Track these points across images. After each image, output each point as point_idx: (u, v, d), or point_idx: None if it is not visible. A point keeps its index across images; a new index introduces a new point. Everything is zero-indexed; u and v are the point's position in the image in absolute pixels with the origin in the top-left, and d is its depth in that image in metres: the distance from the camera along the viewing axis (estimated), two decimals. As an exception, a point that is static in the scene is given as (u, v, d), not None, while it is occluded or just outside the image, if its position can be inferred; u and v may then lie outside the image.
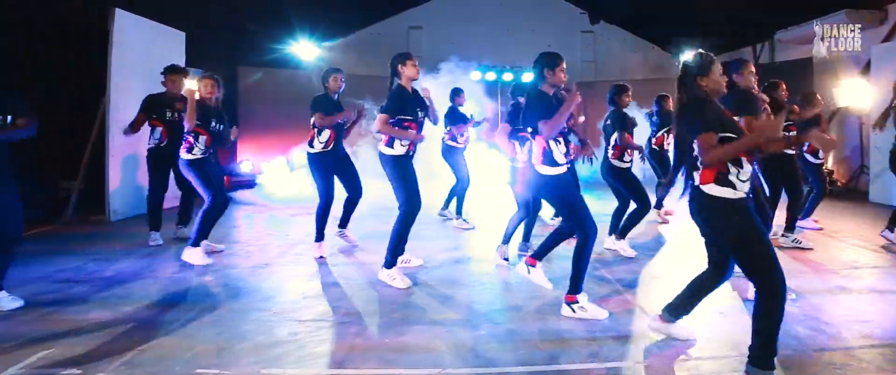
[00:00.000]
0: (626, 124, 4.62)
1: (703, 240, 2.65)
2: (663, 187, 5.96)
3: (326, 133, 4.58)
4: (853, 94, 8.01)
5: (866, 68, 8.01)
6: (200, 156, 4.40)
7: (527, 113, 3.28)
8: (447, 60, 10.15)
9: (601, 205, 5.58)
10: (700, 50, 2.68)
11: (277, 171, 9.09)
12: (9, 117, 3.10)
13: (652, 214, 5.17)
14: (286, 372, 2.45)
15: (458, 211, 6.07)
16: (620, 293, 3.66)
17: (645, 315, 3.11)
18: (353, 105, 4.93)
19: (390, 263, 3.79)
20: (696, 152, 2.42)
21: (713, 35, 10.46)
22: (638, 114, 5.97)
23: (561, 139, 3.20)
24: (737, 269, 2.50)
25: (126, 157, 6.57)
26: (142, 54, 6.71)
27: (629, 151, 4.68)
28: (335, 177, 4.69)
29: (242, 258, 4.59)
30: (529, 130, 3.32)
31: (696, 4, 9.91)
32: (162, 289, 3.68)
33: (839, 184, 8.54)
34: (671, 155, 6.18)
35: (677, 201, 4.28)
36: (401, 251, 3.89)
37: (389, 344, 2.75)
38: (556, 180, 3.21)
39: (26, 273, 3.89)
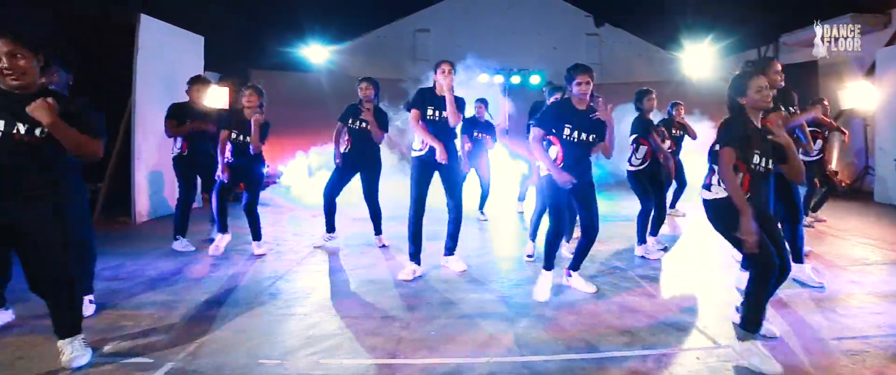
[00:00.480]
0: (646, 128, 4.77)
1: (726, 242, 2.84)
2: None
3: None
4: (858, 96, 8.21)
5: (871, 71, 8.21)
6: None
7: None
8: (454, 62, 10.36)
9: (608, 206, 5.73)
10: (746, 66, 2.83)
11: (298, 172, 9.28)
12: None
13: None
14: (343, 363, 2.61)
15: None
16: (640, 284, 3.85)
17: (664, 303, 3.30)
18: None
19: (411, 255, 4.12)
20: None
21: (718, 37, 10.67)
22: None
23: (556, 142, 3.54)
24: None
25: (151, 160, 6.74)
26: (165, 58, 6.89)
27: (647, 153, 4.82)
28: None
29: (274, 257, 4.76)
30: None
31: (701, 7, 10.07)
32: (207, 288, 3.84)
33: (844, 185, 8.73)
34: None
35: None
36: (414, 250, 4.12)
37: (435, 336, 2.92)
38: (547, 179, 3.60)
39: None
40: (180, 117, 5.12)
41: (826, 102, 5.99)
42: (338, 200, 5.19)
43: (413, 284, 3.93)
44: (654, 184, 4.83)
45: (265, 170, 4.94)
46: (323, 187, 5.17)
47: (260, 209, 4.94)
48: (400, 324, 3.11)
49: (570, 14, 13.46)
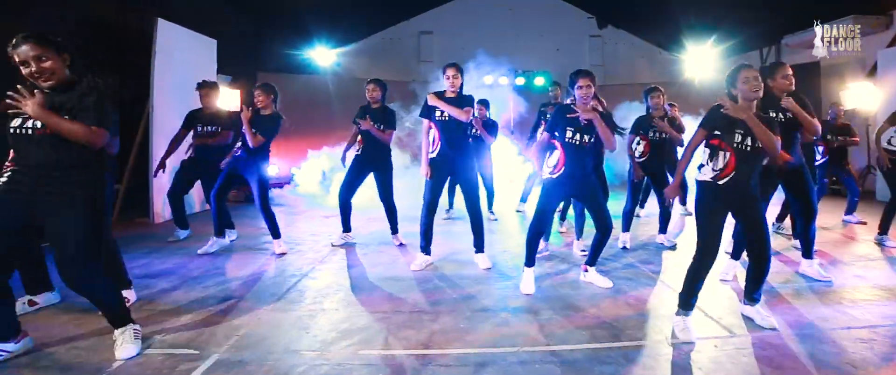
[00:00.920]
0: (638, 124, 5.12)
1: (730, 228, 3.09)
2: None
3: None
4: (860, 96, 8.37)
5: (872, 71, 8.37)
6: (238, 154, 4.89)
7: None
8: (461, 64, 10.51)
9: (618, 206, 5.86)
10: (740, 63, 2.99)
11: (311, 173, 9.43)
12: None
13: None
14: (381, 353, 2.75)
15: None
16: (654, 279, 3.99)
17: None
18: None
19: (422, 247, 4.47)
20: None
21: (720, 39, 10.81)
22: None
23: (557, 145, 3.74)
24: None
25: (168, 162, 6.85)
26: (180, 61, 7.03)
27: (646, 148, 5.12)
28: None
29: (295, 256, 4.90)
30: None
31: (703, 9, 10.22)
32: (235, 286, 3.97)
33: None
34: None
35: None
36: (425, 243, 4.46)
37: (464, 328, 3.06)
38: (546, 183, 3.80)
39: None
40: (189, 125, 5.41)
41: (841, 108, 6.27)
42: (353, 200, 5.32)
43: (433, 280, 4.08)
44: (657, 181, 5.12)
45: (268, 167, 5.04)
46: (338, 188, 5.32)
47: (274, 209, 5.08)
48: (429, 318, 3.25)
49: (573, 16, 13.61)
